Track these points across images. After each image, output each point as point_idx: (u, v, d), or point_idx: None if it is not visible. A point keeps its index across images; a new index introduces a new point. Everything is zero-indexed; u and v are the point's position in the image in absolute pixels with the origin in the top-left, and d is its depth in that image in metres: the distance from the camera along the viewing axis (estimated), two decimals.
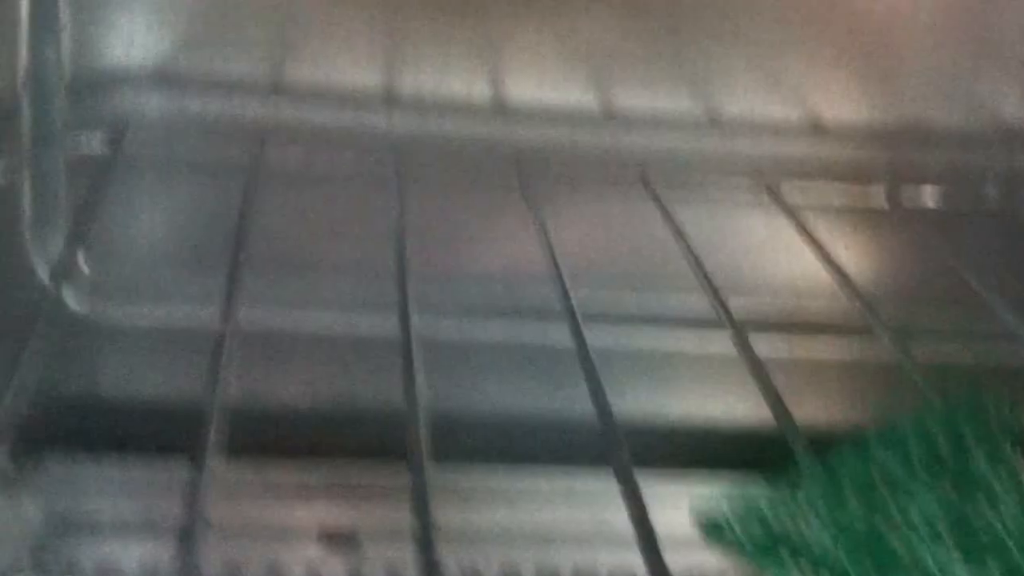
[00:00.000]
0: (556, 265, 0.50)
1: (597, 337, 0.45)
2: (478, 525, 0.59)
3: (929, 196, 0.62)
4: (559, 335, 0.45)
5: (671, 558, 0.33)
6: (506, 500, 0.60)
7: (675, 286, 0.61)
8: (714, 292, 0.50)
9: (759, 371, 0.44)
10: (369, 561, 0.58)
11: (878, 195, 0.61)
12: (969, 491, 0.39)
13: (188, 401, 0.45)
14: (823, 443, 0.40)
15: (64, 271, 0.54)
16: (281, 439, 0.60)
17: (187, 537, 0.34)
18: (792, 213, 0.57)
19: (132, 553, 0.58)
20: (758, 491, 0.40)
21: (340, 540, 0.59)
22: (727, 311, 0.48)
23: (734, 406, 0.63)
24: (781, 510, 0.39)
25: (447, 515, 0.35)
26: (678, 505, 0.41)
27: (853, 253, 0.63)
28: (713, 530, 0.39)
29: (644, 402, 0.62)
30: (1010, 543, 0.37)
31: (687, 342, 0.63)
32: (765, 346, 0.48)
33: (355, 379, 0.62)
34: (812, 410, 0.56)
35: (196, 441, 0.38)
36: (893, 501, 0.39)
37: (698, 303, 0.51)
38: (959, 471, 0.40)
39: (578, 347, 0.45)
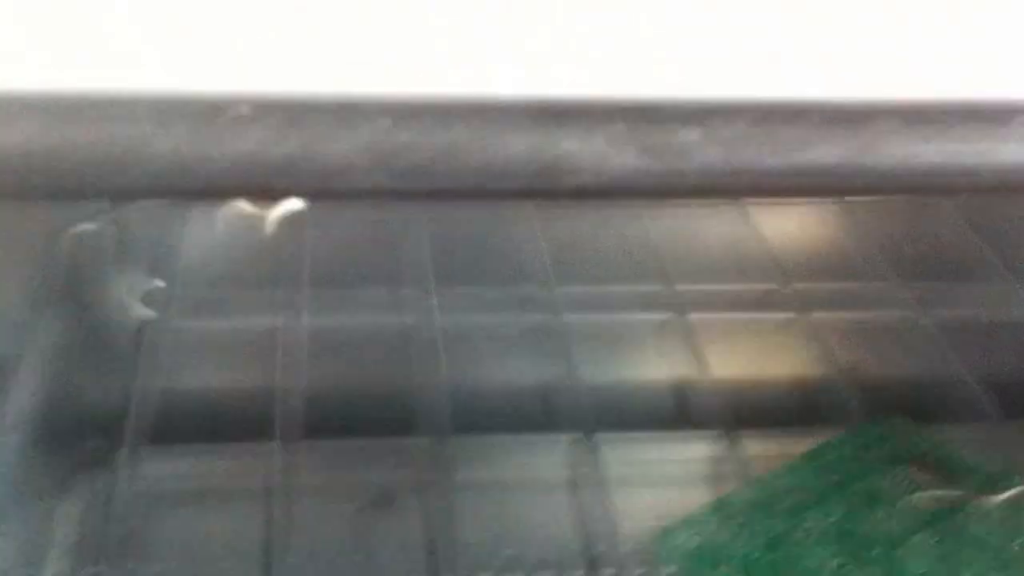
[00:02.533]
0: None
1: None
2: None
3: None
4: None
5: None
6: None
7: None
8: None
9: None
10: None
11: None
12: (871, 506, 0.45)
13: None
14: None
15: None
16: None
17: None
18: None
19: None
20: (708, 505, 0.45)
21: None
22: None
23: None
24: (723, 522, 0.44)
25: None
26: None
27: None
28: (666, 538, 0.44)
29: None
30: (895, 552, 0.42)
31: None
32: None
33: None
34: None
35: None
36: (809, 516, 0.44)
37: None
38: (865, 489, 0.46)
39: None
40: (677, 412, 0.62)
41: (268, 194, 0.25)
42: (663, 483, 0.68)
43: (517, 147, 0.23)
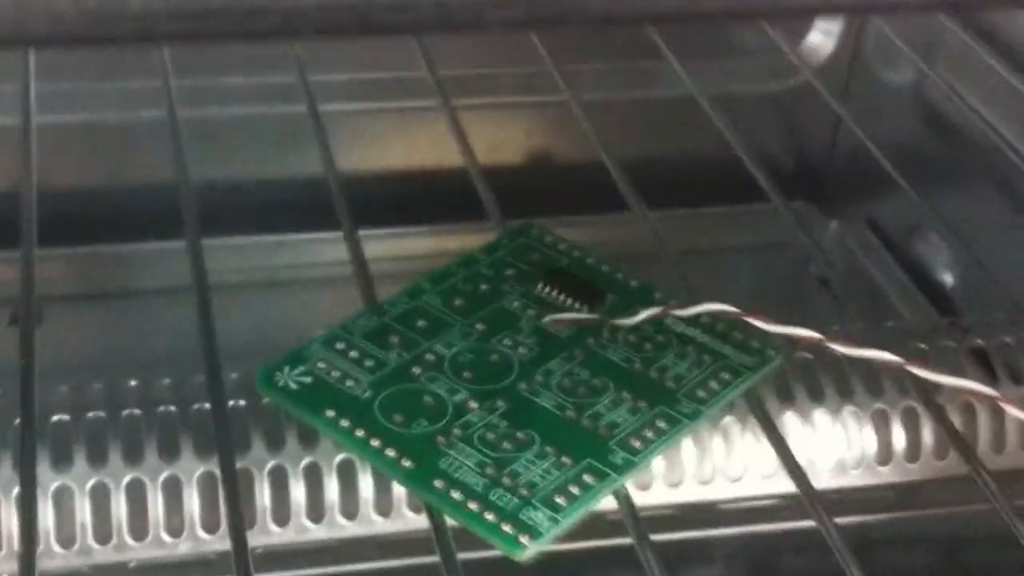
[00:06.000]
0: None
1: None
2: None
3: None
4: None
5: None
6: None
7: None
8: None
9: None
10: None
11: None
12: (496, 329, 0.40)
13: None
14: None
15: None
16: None
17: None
18: None
19: None
20: (315, 339, 0.39)
21: None
22: None
23: None
24: (332, 357, 0.38)
25: None
26: None
27: None
28: (266, 378, 0.37)
29: None
30: (519, 384, 0.37)
31: None
32: None
33: None
34: None
35: None
36: (428, 342, 0.39)
37: None
38: (493, 313, 0.40)
39: None
40: (312, 212, 0.56)
41: None
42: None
43: None
